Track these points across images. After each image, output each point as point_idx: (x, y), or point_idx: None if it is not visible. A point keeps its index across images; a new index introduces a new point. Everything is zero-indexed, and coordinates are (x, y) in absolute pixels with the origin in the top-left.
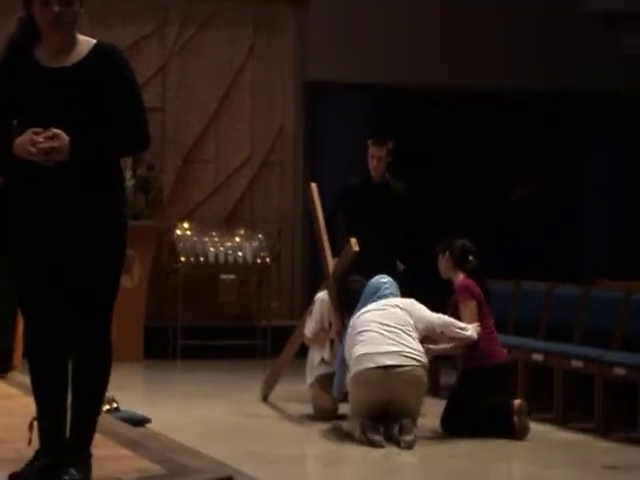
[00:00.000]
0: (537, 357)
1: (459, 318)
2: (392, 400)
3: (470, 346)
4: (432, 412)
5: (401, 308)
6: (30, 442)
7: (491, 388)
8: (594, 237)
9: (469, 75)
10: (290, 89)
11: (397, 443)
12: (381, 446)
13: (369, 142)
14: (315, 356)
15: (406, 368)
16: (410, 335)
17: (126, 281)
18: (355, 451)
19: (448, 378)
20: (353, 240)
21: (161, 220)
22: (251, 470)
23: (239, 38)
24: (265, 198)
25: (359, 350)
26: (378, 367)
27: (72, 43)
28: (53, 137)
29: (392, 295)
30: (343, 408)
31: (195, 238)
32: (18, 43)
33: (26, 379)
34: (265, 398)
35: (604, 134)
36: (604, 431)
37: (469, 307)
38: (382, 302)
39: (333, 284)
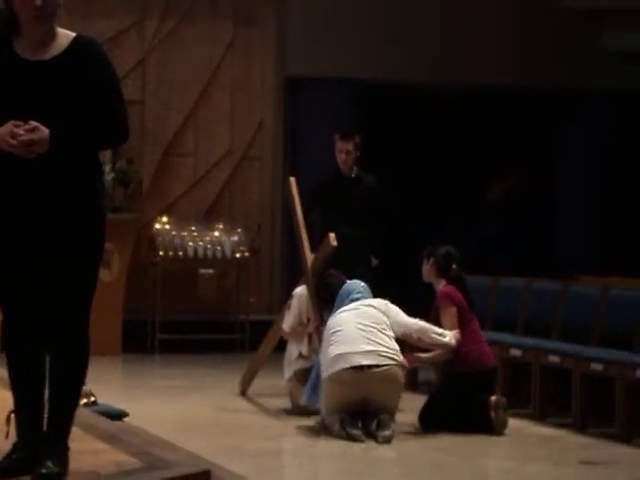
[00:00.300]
0: (515, 352)
1: (440, 325)
2: (368, 398)
3: (453, 351)
4: (410, 407)
5: (375, 307)
6: (7, 435)
7: (474, 392)
8: (573, 233)
9: (450, 70)
10: (270, 84)
11: (375, 438)
12: (360, 440)
13: (336, 137)
14: (293, 351)
15: (382, 368)
16: (385, 334)
17: (105, 275)
18: (333, 446)
19: (426, 374)
20: (332, 235)
21: (140, 214)
22: (228, 464)
23: (219, 33)
24: (244, 193)
25: (334, 350)
26: (353, 367)
27: (52, 36)
28: (33, 130)
29: (364, 299)
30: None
31: (174, 232)
32: None
33: (3, 372)
34: (243, 393)
35: (584, 129)
36: (581, 426)
37: (449, 313)
38: (356, 303)
39: (312, 279)
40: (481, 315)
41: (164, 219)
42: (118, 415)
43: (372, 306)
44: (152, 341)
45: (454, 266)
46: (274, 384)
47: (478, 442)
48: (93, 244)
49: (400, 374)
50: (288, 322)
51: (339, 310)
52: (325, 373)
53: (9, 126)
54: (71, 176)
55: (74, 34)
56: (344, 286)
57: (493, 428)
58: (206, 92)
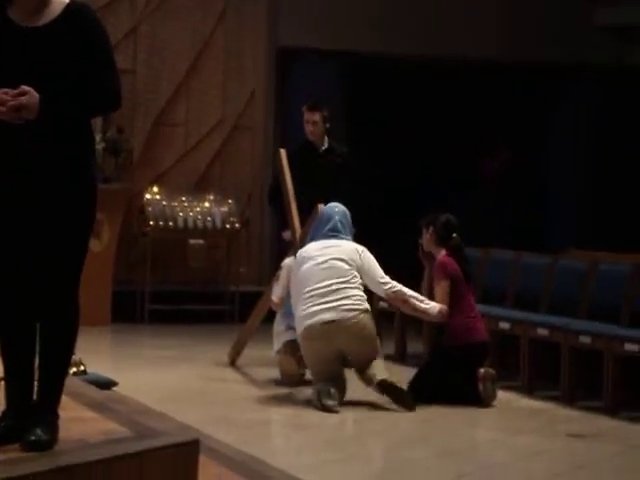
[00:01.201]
0: (504, 325)
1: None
2: (344, 352)
3: (449, 325)
4: (399, 379)
5: (347, 263)
6: None
7: (463, 365)
8: (562, 208)
9: (443, 43)
10: (261, 54)
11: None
12: (335, 411)
13: (303, 108)
14: (282, 322)
15: (345, 319)
16: (350, 287)
17: (95, 245)
18: (321, 417)
19: (415, 346)
20: (320, 206)
21: (130, 183)
22: (216, 434)
23: (211, 2)
24: (235, 163)
25: (303, 311)
26: (320, 323)
27: (45, 2)
28: (23, 94)
29: (343, 231)
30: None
31: (164, 202)
32: None
33: None
34: (232, 363)
35: (574, 106)
36: (569, 399)
37: (441, 286)
38: (328, 248)
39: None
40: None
41: (154, 189)
42: (107, 384)
43: (343, 260)
44: (142, 311)
45: (454, 235)
46: (263, 355)
47: (466, 413)
48: (84, 213)
49: (367, 321)
50: (277, 293)
51: (308, 253)
52: (297, 332)
53: None
54: (62, 143)
55: (67, 0)
56: (324, 209)
57: (481, 400)
58: (198, 62)
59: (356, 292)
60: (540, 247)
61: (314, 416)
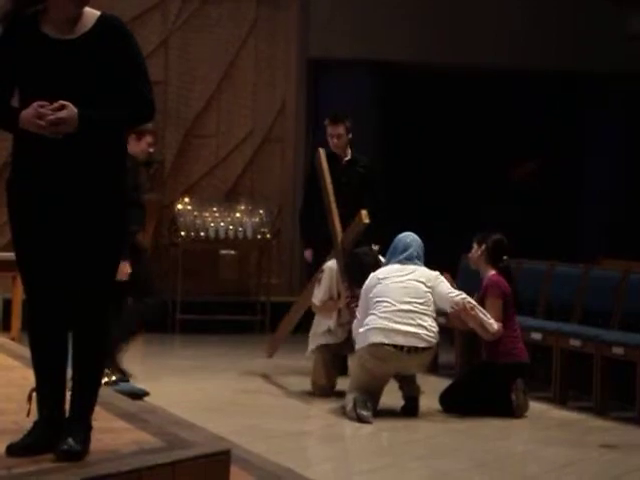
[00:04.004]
0: (536, 336)
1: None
2: (400, 372)
3: (492, 343)
4: (431, 390)
5: (424, 284)
6: (29, 413)
7: (502, 383)
8: (595, 216)
9: (474, 52)
10: (292, 65)
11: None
12: (369, 422)
13: (326, 121)
14: (321, 324)
15: (420, 353)
16: (427, 314)
17: None
18: (354, 427)
19: (447, 357)
20: (364, 212)
21: (162, 194)
22: (248, 444)
23: (242, 13)
24: (266, 174)
25: (375, 321)
26: (395, 345)
27: (78, 15)
28: (61, 108)
29: (418, 260)
30: (341, 384)
31: (196, 213)
32: (22, 14)
33: (25, 350)
34: (270, 356)
35: (609, 114)
36: (602, 410)
37: (496, 304)
38: (406, 269)
39: (342, 254)
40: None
41: (186, 200)
42: (139, 395)
43: (422, 282)
44: (173, 322)
45: (505, 257)
46: (295, 365)
47: (498, 425)
48: (117, 224)
49: (433, 354)
50: (319, 296)
51: (387, 273)
52: (361, 342)
53: (35, 107)
54: (96, 155)
55: (99, 12)
56: (401, 237)
57: (513, 411)
58: (229, 73)
59: (431, 322)
60: (571, 256)
61: (347, 427)
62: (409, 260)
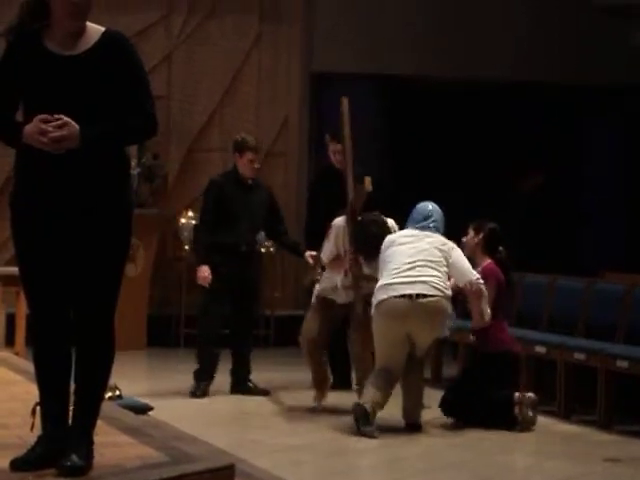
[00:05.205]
0: (540, 349)
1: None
2: (411, 336)
3: (482, 332)
4: (435, 403)
5: (439, 249)
6: (32, 428)
7: (502, 376)
8: (598, 229)
9: (477, 66)
10: (296, 79)
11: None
12: (373, 437)
13: (326, 139)
14: (331, 278)
15: (429, 298)
16: (438, 270)
17: (130, 269)
18: (356, 441)
19: (451, 370)
20: (367, 179)
21: (165, 209)
22: (252, 458)
23: (245, 27)
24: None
25: (383, 281)
26: (403, 295)
27: (82, 31)
28: (63, 126)
29: (437, 231)
30: (341, 400)
31: None
32: (27, 29)
33: (29, 365)
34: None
35: (610, 127)
36: (606, 424)
37: (490, 294)
38: (422, 234)
39: (350, 219)
40: (505, 311)
41: (189, 214)
42: (143, 409)
43: (436, 247)
44: (177, 335)
45: (501, 248)
46: (298, 380)
47: (501, 438)
48: (120, 239)
49: (447, 306)
50: (327, 253)
51: (403, 236)
52: (374, 300)
53: (37, 123)
54: (99, 170)
55: (103, 28)
56: (423, 204)
57: (516, 425)
58: (232, 88)
59: (442, 275)
60: (573, 269)
61: (350, 441)
62: (427, 228)
